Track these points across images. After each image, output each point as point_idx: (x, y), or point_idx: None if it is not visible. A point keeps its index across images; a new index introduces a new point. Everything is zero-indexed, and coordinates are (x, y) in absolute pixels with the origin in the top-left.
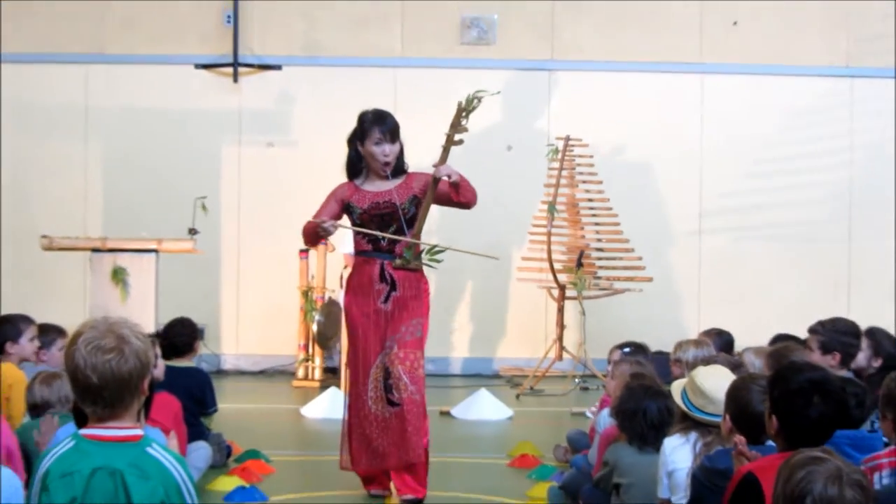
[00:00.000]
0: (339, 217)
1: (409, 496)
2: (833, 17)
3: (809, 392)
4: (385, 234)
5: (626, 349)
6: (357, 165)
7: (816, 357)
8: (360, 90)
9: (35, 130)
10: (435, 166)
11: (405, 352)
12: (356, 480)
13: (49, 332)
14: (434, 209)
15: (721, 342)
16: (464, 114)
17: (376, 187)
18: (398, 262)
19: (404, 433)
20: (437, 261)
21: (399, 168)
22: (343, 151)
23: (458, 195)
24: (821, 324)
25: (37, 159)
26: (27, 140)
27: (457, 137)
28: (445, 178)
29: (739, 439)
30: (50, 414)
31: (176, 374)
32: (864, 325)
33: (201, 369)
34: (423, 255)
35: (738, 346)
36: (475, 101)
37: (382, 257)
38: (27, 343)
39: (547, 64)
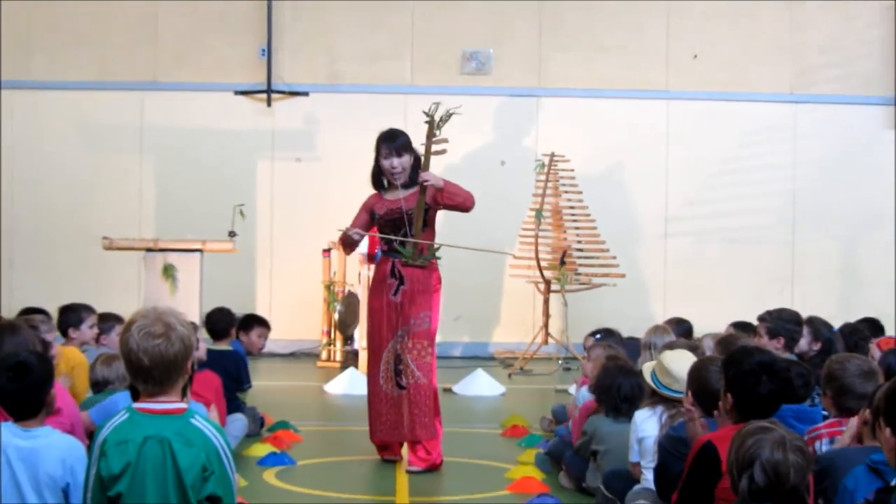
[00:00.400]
0: (369, 225)
1: (414, 467)
2: (778, 51)
3: (759, 372)
4: (397, 238)
5: (598, 335)
6: (379, 177)
7: (764, 341)
8: (376, 113)
9: (98, 147)
10: (420, 173)
11: (413, 342)
12: (373, 447)
13: (108, 320)
14: (441, 214)
15: (681, 329)
16: (437, 128)
17: (393, 196)
18: (403, 259)
19: (410, 413)
20: (437, 257)
21: (415, 179)
22: (360, 166)
23: (444, 197)
24: (768, 313)
25: (100, 172)
26: (92, 155)
27: (438, 147)
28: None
29: (690, 410)
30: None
31: (216, 355)
32: (805, 314)
33: (238, 351)
34: (428, 252)
35: (698, 332)
36: (445, 116)
37: (394, 256)
38: (87, 329)
39: (535, 91)
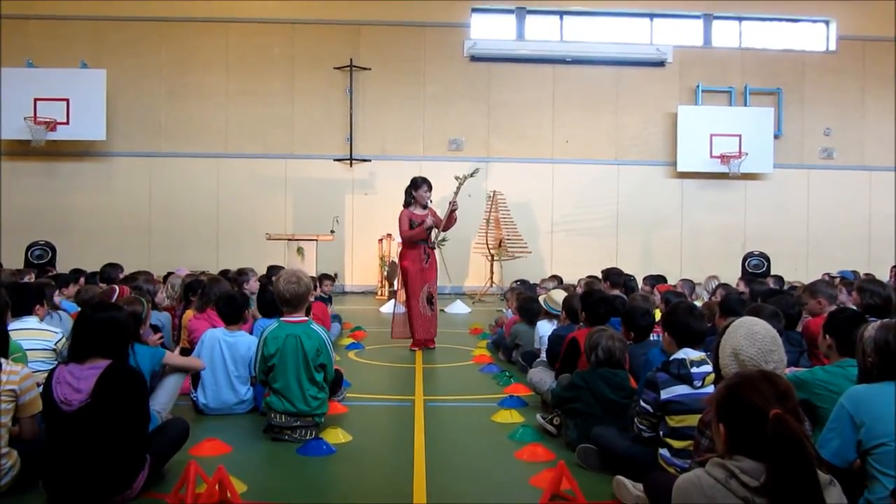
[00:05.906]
0: (411, 226)
1: (430, 347)
2: (609, 139)
3: (601, 302)
4: (433, 234)
5: (516, 282)
6: (408, 200)
7: (606, 286)
8: (406, 171)
9: (263, 189)
10: (451, 202)
11: (435, 288)
12: (406, 341)
13: (270, 272)
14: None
15: (557, 279)
16: (463, 181)
17: (419, 212)
18: (430, 245)
19: (431, 325)
20: (443, 246)
21: (426, 205)
22: (396, 198)
23: (451, 220)
24: (608, 270)
25: (265, 201)
26: (260, 193)
27: (461, 189)
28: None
29: (565, 320)
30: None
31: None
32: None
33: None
34: (437, 243)
35: (568, 280)
36: (470, 175)
37: (423, 243)
38: (253, 282)
39: (486, 159)
